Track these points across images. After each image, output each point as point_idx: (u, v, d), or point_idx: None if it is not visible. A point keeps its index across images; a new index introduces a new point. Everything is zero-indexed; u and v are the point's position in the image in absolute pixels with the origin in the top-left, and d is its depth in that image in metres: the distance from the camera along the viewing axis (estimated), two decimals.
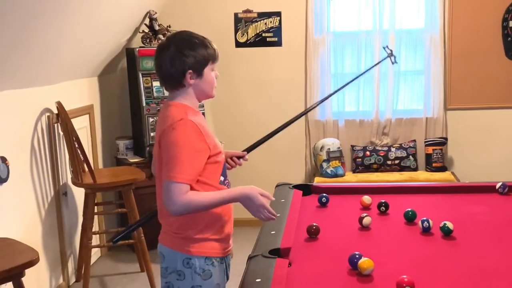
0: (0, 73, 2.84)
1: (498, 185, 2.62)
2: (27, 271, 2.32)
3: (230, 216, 1.94)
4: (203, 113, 4.28)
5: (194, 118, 1.84)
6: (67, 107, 3.50)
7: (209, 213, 1.85)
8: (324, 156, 4.46)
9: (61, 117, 3.45)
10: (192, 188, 1.78)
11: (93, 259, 3.84)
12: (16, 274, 2.27)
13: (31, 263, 2.30)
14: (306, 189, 2.75)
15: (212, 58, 1.89)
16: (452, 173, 4.51)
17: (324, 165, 4.45)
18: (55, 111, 3.50)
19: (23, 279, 2.34)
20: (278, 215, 1.90)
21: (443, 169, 4.49)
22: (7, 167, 3.00)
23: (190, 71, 1.84)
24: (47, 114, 3.48)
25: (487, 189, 2.64)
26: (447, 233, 2.07)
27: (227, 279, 1.99)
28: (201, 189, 1.82)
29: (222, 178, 1.92)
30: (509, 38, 4.48)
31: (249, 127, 4.73)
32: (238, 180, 4.74)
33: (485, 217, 2.33)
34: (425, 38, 4.51)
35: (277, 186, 2.79)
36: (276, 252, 1.88)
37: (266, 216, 1.80)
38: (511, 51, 4.49)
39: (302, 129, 4.70)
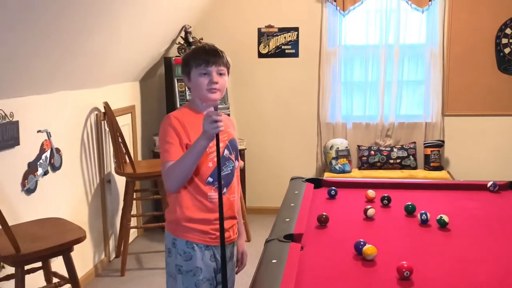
0: (56, 77, 2.88)
1: (489, 184, 2.56)
2: (75, 246, 2.35)
3: (225, 214, 1.78)
4: (228, 114, 4.29)
5: (181, 115, 1.80)
6: (112, 107, 3.54)
7: (196, 209, 1.79)
8: (333, 154, 4.42)
9: (107, 115, 3.49)
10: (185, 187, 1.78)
11: (131, 238, 3.88)
12: (66, 249, 2.30)
13: (79, 240, 2.33)
14: (317, 182, 2.71)
15: (193, 63, 1.79)
16: (448, 172, 4.44)
17: (333, 162, 4.41)
18: (103, 110, 3.54)
19: (71, 253, 2.36)
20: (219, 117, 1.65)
21: (440, 168, 4.42)
22: (61, 157, 3.04)
23: (184, 75, 1.85)
24: (96, 112, 3.52)
25: (479, 187, 2.59)
26: (443, 225, 2.03)
27: (221, 265, 1.80)
28: (188, 185, 1.79)
29: (210, 179, 1.80)
30: (501, 54, 4.40)
31: (269, 126, 4.75)
32: (258, 173, 4.75)
33: (477, 212, 2.27)
34: (426, 52, 4.45)
35: (291, 179, 2.76)
36: (290, 237, 1.86)
37: (218, 124, 1.63)
38: (503, 65, 4.42)
39: (314, 130, 4.67)
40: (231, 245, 1.93)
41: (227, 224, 1.84)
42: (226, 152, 1.86)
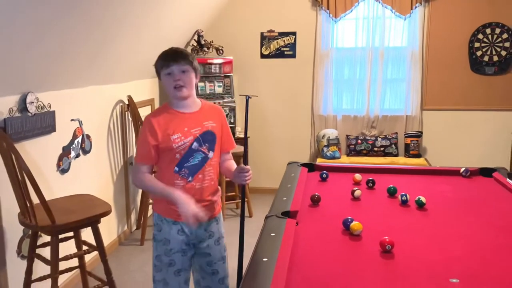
0: (87, 73, 2.86)
1: (462, 170, 2.52)
2: (102, 219, 2.34)
3: (192, 198, 1.74)
4: (234, 108, 4.26)
5: (156, 116, 1.75)
6: (135, 100, 3.52)
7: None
8: (325, 142, 4.38)
9: (130, 107, 3.46)
10: (158, 170, 1.79)
11: (149, 212, 3.88)
12: (94, 221, 2.29)
13: (105, 213, 2.31)
14: (310, 167, 2.69)
15: (159, 67, 1.75)
16: (426, 159, 4.39)
17: (325, 149, 4.37)
18: (126, 102, 3.52)
19: (99, 225, 2.36)
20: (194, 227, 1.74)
21: (418, 156, 4.37)
22: (90, 142, 3.03)
23: (159, 79, 1.81)
24: (120, 104, 3.49)
25: (453, 172, 2.55)
26: (420, 205, 2.00)
27: (191, 239, 1.81)
28: (158, 172, 1.80)
29: (177, 169, 1.74)
30: (473, 56, 4.32)
31: (269, 117, 4.70)
32: (259, 158, 4.73)
33: (451, 194, 2.24)
34: (407, 54, 4.37)
35: (288, 163, 2.74)
36: (287, 214, 1.84)
37: (187, 219, 1.67)
38: (475, 66, 4.34)
39: (308, 121, 4.63)
40: (205, 224, 1.82)
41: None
42: (195, 144, 1.76)
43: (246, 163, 1.82)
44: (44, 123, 2.48)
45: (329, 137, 4.38)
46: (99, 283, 2.39)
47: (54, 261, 2.14)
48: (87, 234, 2.54)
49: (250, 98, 1.85)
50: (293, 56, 4.55)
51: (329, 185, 2.40)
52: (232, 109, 4.29)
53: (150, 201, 3.61)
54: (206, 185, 1.80)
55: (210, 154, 1.80)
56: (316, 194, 2.07)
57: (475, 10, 4.25)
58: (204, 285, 1.89)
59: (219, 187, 1.90)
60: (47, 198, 2.15)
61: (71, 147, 2.80)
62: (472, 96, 4.37)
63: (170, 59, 1.72)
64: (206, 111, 1.84)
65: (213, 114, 1.85)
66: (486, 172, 2.52)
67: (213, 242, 1.86)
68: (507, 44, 4.25)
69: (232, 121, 4.29)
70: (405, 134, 4.44)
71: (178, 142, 1.73)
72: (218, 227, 1.89)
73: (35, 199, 2.08)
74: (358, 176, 2.41)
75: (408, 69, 4.39)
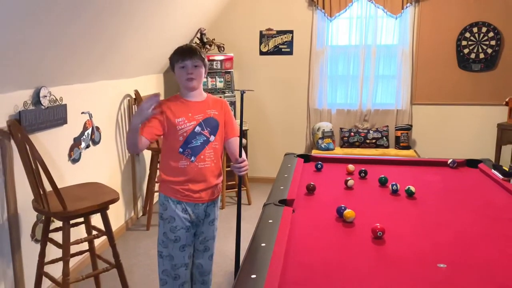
0: (97, 69, 2.83)
1: (449, 161, 2.51)
2: (110, 206, 2.32)
3: (194, 178, 1.83)
4: (233, 102, 4.23)
5: (167, 101, 1.85)
6: (141, 94, 3.48)
7: (170, 172, 1.84)
8: (320, 134, 4.36)
9: (137, 101, 3.44)
10: (163, 145, 1.87)
11: (154, 200, 3.88)
12: (103, 208, 2.27)
13: (114, 200, 2.29)
14: (306, 158, 2.67)
15: (174, 60, 1.84)
16: (415, 151, 4.38)
17: (320, 141, 4.36)
18: (133, 96, 3.49)
19: (108, 211, 2.34)
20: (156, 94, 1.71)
21: (408, 147, 4.36)
22: (100, 134, 3.01)
23: (172, 71, 1.88)
24: (128, 98, 3.47)
25: (441, 163, 2.54)
26: (410, 194, 1.99)
27: (196, 220, 1.90)
28: (164, 148, 1.86)
29: (181, 150, 1.82)
30: (461, 54, 4.28)
31: (267, 111, 4.68)
32: (258, 149, 4.71)
33: (438, 184, 2.23)
34: (398, 51, 4.33)
35: (285, 155, 2.72)
36: (284, 202, 1.83)
37: (150, 102, 1.67)
38: (462, 63, 4.30)
39: (304, 114, 4.61)
40: (205, 205, 1.91)
41: (197, 186, 1.86)
42: (197, 128, 1.85)
43: (241, 155, 1.85)
44: (56, 115, 2.46)
45: (323, 129, 4.36)
46: (107, 266, 2.39)
47: (65, 245, 2.14)
48: (96, 220, 2.54)
49: (245, 92, 1.91)
50: (290, 53, 4.51)
51: (323, 175, 2.39)
52: (232, 103, 4.26)
53: (156, 188, 3.61)
54: (207, 166, 1.87)
55: (211, 138, 1.88)
56: (312, 183, 2.06)
57: (463, 10, 4.21)
58: (196, 261, 1.98)
59: (222, 172, 1.96)
60: (59, 186, 2.14)
61: (82, 138, 2.78)
62: (459, 91, 4.34)
63: (185, 54, 1.82)
64: (210, 102, 1.93)
65: (217, 105, 1.94)
66: (472, 163, 2.51)
67: (208, 222, 1.95)
68: (493, 42, 4.21)
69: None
70: (395, 127, 4.42)
71: (181, 124, 1.83)
72: (215, 209, 1.98)
73: (48, 187, 2.07)
74: (351, 166, 2.40)
75: (399, 65, 4.36)
